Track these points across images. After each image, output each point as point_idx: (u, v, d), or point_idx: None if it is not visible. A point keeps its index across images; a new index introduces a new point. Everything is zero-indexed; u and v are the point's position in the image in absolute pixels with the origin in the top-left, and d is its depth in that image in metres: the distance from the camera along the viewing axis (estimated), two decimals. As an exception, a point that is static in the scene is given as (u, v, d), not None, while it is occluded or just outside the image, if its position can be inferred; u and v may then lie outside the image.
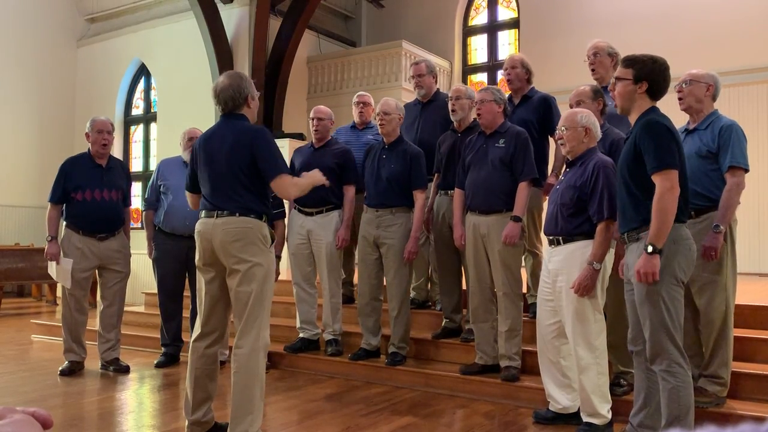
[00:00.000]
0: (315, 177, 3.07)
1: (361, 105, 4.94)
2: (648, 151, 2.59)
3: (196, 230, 2.95)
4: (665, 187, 2.55)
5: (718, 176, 3.18)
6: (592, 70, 3.91)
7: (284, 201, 4.47)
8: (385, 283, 4.32)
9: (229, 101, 2.92)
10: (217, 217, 2.85)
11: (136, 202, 9.72)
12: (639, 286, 2.66)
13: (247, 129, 2.90)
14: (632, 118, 2.76)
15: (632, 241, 2.71)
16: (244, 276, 2.80)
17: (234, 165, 2.84)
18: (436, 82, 4.72)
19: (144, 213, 4.77)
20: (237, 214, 2.83)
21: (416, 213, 4.15)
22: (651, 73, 2.69)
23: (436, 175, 4.33)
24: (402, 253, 4.11)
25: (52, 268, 4.41)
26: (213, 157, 2.90)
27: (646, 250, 2.56)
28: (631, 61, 2.74)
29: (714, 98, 3.30)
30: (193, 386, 2.93)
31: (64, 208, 4.43)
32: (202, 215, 2.93)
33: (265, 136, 2.91)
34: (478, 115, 3.81)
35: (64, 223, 4.46)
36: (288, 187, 2.92)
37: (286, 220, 4.64)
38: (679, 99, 3.31)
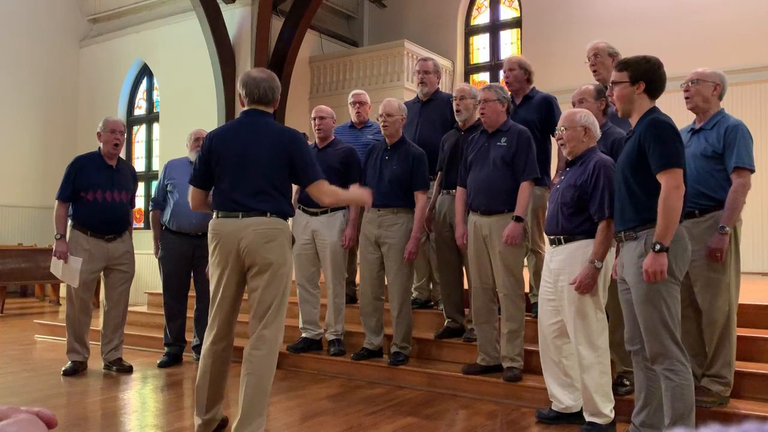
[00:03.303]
0: (361, 197, 3.00)
1: (358, 105, 4.91)
2: (654, 149, 2.59)
3: (214, 230, 2.84)
4: (671, 185, 2.56)
5: (723, 177, 3.16)
6: (594, 71, 3.91)
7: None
8: (386, 283, 4.32)
9: (263, 93, 2.86)
10: (243, 217, 2.78)
11: (139, 202, 9.74)
12: (638, 286, 2.65)
13: (286, 130, 2.91)
14: (633, 120, 2.77)
15: (629, 239, 2.71)
16: (272, 277, 2.77)
17: (271, 165, 2.80)
18: (438, 82, 4.72)
19: (151, 213, 4.81)
20: (268, 215, 2.79)
21: (417, 213, 4.14)
22: (646, 73, 2.71)
23: (438, 173, 4.33)
24: (402, 253, 4.11)
25: (57, 267, 4.36)
26: (242, 153, 2.81)
27: (653, 248, 2.56)
28: (624, 64, 2.76)
29: (720, 97, 3.28)
30: (208, 387, 2.92)
31: (72, 207, 4.42)
32: (221, 215, 2.83)
33: (302, 139, 2.92)
34: (482, 113, 3.80)
35: (71, 223, 4.43)
36: (325, 194, 2.90)
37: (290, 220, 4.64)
38: (686, 98, 3.29)
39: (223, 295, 2.87)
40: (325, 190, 2.88)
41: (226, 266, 2.83)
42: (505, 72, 4.30)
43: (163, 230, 4.68)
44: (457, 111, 4.14)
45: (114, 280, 4.53)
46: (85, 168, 4.41)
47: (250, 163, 2.79)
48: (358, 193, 3.02)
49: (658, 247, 2.56)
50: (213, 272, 2.89)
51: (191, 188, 2.98)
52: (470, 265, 3.89)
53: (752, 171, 3.14)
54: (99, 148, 4.50)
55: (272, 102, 2.91)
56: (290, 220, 4.56)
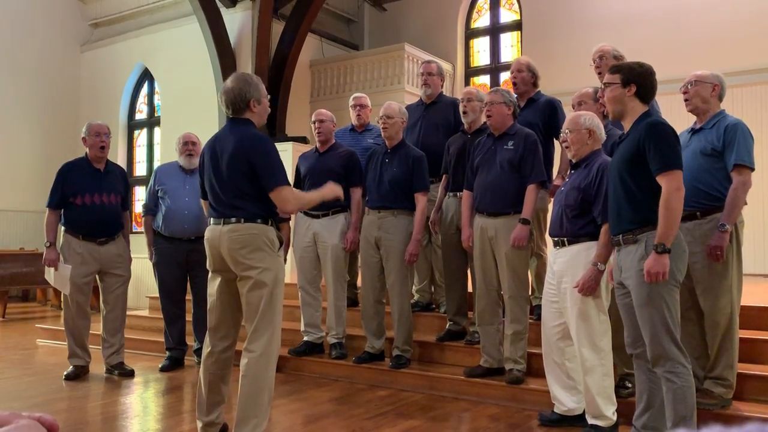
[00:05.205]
0: (325, 191, 3.01)
1: (358, 107, 4.92)
2: (654, 151, 2.62)
3: (205, 237, 2.96)
4: (672, 187, 2.58)
5: (723, 175, 3.17)
6: (599, 74, 3.93)
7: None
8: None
9: (230, 104, 2.88)
10: (224, 224, 2.85)
11: (139, 206, 9.74)
12: (640, 289, 2.65)
13: (248, 136, 2.84)
14: (626, 122, 2.80)
15: (628, 243, 2.71)
16: (254, 282, 2.81)
17: (235, 171, 2.82)
18: (442, 85, 4.73)
19: (143, 218, 4.81)
20: (242, 221, 2.82)
21: (417, 216, 4.14)
22: (638, 77, 2.75)
23: (444, 176, 4.33)
24: (402, 255, 4.11)
25: (49, 274, 4.41)
26: (215, 162, 2.89)
27: (656, 250, 2.57)
28: (617, 68, 2.84)
29: (720, 98, 3.30)
30: (207, 390, 2.96)
31: (62, 213, 4.43)
32: (211, 222, 2.93)
33: (264, 145, 2.84)
34: (488, 116, 3.81)
35: (63, 228, 4.45)
36: (286, 202, 2.83)
37: (291, 223, 4.64)
38: (685, 101, 3.31)
39: (215, 299, 2.96)
40: (284, 197, 2.80)
41: (216, 271, 2.94)
42: (512, 73, 4.31)
43: (156, 235, 4.69)
44: (464, 113, 4.16)
45: (110, 284, 4.54)
46: (72, 173, 4.43)
47: (222, 172, 2.85)
48: (323, 189, 3.03)
49: (661, 248, 2.57)
50: (209, 276, 3.01)
51: (201, 200, 3.17)
52: (475, 266, 3.89)
53: (752, 169, 3.15)
54: (86, 153, 4.52)
55: (245, 108, 2.88)
56: (292, 224, 4.60)
